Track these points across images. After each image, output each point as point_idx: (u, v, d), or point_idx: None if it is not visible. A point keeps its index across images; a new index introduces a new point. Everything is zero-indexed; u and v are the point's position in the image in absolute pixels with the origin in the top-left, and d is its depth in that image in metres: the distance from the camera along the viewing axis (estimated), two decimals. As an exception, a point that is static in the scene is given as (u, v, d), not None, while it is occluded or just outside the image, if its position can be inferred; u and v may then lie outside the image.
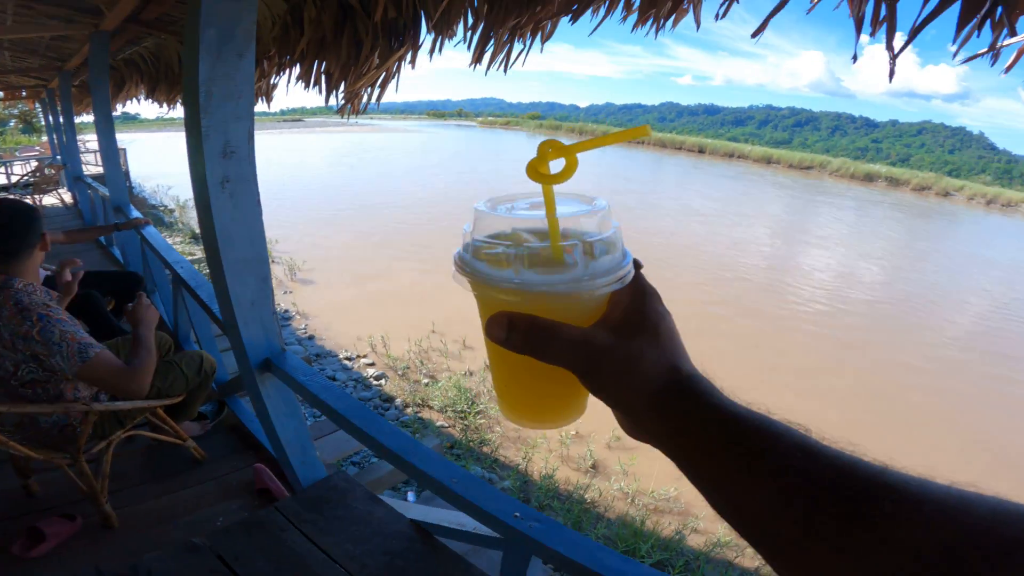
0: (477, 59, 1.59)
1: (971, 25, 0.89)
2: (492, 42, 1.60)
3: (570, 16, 1.32)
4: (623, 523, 3.94)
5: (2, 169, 12.80)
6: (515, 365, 0.39)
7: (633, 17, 1.30)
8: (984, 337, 9.25)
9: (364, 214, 14.04)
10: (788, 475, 0.27)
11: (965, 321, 10.12)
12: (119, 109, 7.32)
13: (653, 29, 1.24)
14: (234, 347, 1.66)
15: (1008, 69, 1.10)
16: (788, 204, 24.14)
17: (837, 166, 46.00)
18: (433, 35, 1.80)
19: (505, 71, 1.56)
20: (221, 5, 1.15)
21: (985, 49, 0.90)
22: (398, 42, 1.89)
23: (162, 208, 13.05)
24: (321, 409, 1.42)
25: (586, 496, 4.21)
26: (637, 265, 0.38)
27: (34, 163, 12.55)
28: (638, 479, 4.40)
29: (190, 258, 7.04)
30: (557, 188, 0.38)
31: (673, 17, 1.29)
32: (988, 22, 0.91)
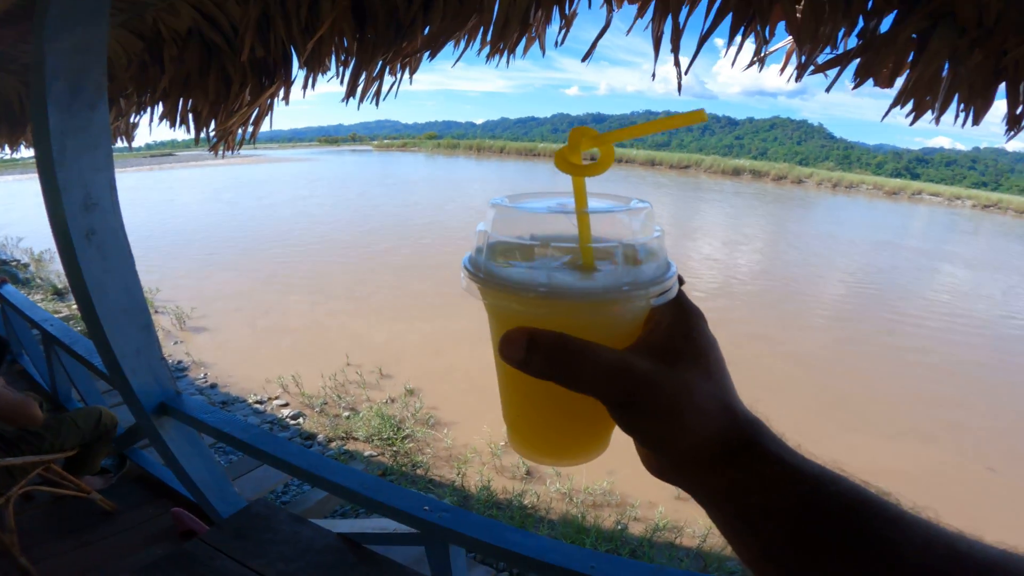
0: (351, 93, 1.67)
1: (739, 36, 1.12)
2: (364, 76, 1.68)
3: (429, 52, 1.44)
4: (565, 522, 4.08)
5: None
6: (531, 391, 0.34)
7: (488, 48, 1.46)
8: (837, 307, 10.75)
9: (249, 253, 13.19)
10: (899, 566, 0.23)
11: (826, 296, 11.67)
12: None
13: (505, 59, 1.40)
14: (125, 397, 1.64)
15: (782, 71, 1.37)
16: (671, 203, 26.20)
17: (710, 163, 51.29)
18: (305, 71, 1.85)
19: (377, 104, 1.65)
20: (68, 58, 1.15)
21: (752, 57, 1.14)
22: (269, 79, 1.91)
23: (14, 263, 11.38)
24: (227, 441, 1.43)
25: (525, 501, 4.31)
26: (679, 280, 0.33)
27: None
28: (572, 478, 4.57)
29: (58, 315, 6.26)
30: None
31: (522, 44, 1.48)
32: (753, 34, 1.15)
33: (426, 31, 1.54)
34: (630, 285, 0.29)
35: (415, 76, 1.71)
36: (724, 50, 1.14)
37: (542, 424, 0.36)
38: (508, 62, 1.42)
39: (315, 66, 1.79)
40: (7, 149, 4.08)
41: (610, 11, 1.34)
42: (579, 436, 0.35)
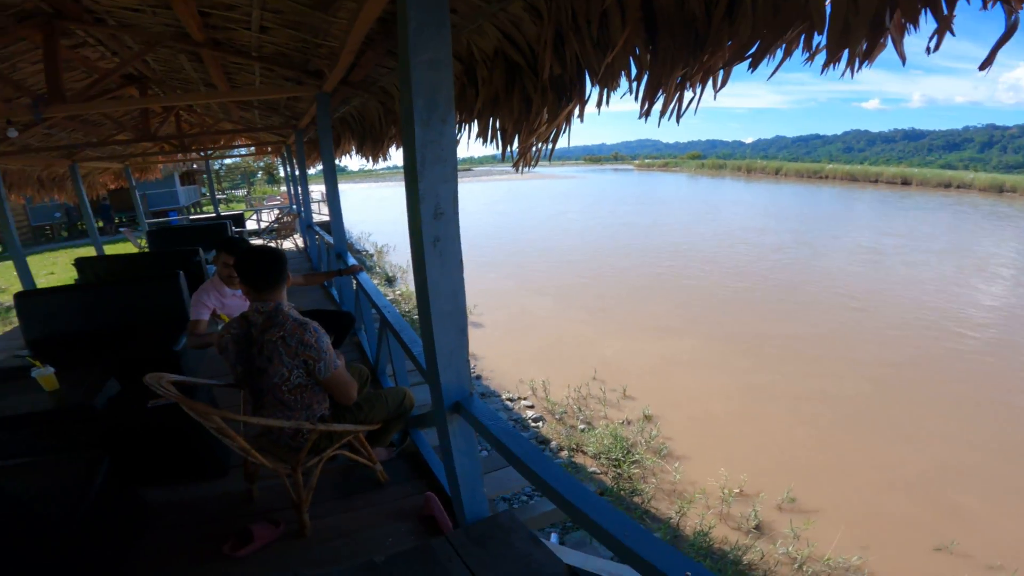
0: (647, 112, 1.61)
1: None
2: (661, 93, 1.61)
3: (749, 62, 1.28)
4: (786, 590, 3.50)
5: (254, 216, 16.10)
6: None
7: (821, 57, 1.21)
8: None
9: (513, 260, 14.68)
10: None
11: None
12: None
13: (848, 69, 1.13)
14: (432, 389, 1.81)
15: None
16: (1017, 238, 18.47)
17: (1119, 187, 34.57)
18: (598, 88, 1.88)
19: (678, 121, 1.56)
20: (424, 73, 1.32)
21: None
22: (566, 98, 2.01)
23: (364, 253, 15.10)
24: (501, 451, 1.50)
25: (743, 557, 3.82)
26: None
27: (276, 212, 15.58)
28: (812, 544, 3.91)
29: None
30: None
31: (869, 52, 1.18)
32: None
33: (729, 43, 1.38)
34: None
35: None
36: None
37: None
38: (852, 74, 1.14)
39: (608, 82, 1.80)
40: (370, 160, 5.13)
41: (1011, 12, 0.95)
42: None
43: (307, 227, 8.50)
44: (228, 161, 35.46)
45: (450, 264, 1.54)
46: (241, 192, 38.53)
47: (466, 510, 2.01)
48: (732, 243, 16.45)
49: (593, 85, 1.89)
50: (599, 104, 1.85)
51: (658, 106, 1.60)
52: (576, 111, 1.99)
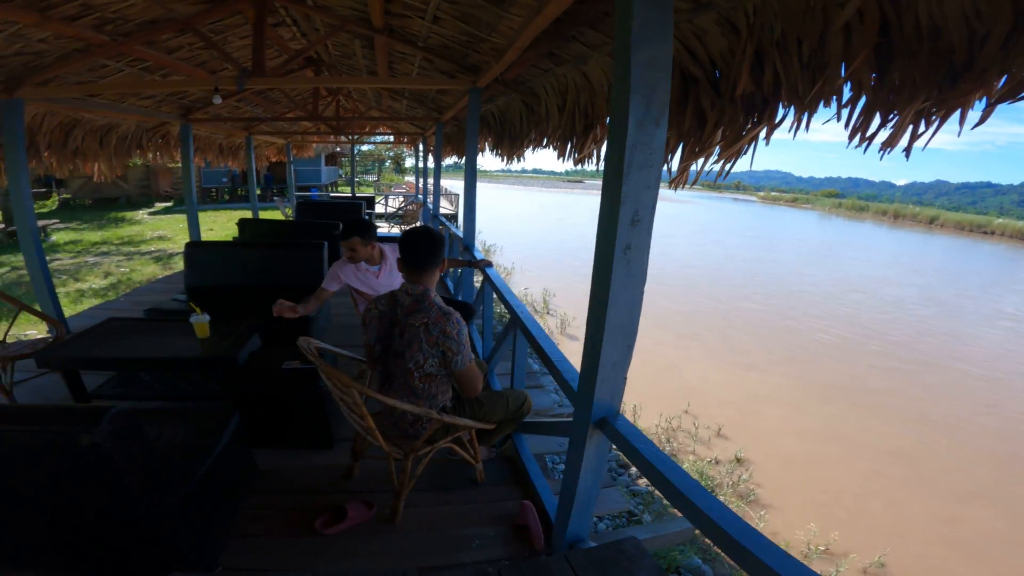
0: (868, 139, 1.42)
1: None
2: (879, 123, 1.41)
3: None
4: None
5: (382, 200, 17.29)
6: None
7: None
8: None
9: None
10: None
11: None
12: (454, 158, 8.96)
13: None
14: (580, 401, 1.70)
15: None
16: None
17: None
18: (794, 111, 1.70)
19: (907, 155, 1.35)
20: (643, 72, 1.25)
21: None
22: (754, 119, 1.85)
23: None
24: (651, 477, 1.39)
25: None
26: None
27: (401, 199, 16.60)
28: None
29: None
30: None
31: None
32: None
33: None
34: None
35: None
36: None
37: None
38: None
39: (812, 106, 1.62)
40: (504, 160, 5.13)
41: None
42: None
43: (432, 217, 8.79)
44: (364, 148, 38.39)
45: (635, 275, 1.44)
46: (371, 177, 41.61)
47: (569, 528, 1.90)
48: (845, 290, 14.91)
49: (787, 107, 1.73)
50: (794, 128, 1.67)
51: (880, 137, 1.40)
52: (763, 133, 1.83)
